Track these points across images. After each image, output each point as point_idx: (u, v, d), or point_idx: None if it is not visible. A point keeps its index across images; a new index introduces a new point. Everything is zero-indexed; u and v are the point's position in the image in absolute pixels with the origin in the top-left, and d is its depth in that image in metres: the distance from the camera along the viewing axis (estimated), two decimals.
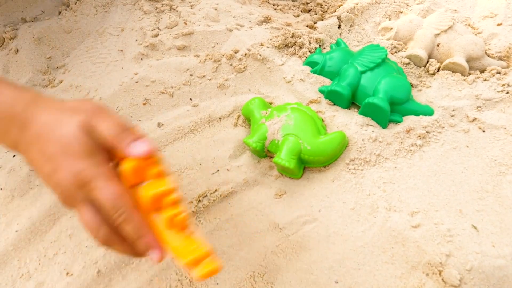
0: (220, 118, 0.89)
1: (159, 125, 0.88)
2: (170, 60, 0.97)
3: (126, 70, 0.97)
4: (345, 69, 0.86)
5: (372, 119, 0.79)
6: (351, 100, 0.84)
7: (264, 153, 0.79)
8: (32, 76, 1.00)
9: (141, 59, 0.99)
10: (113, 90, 0.92)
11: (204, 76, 0.95)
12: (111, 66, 0.99)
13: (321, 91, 0.87)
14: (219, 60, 0.96)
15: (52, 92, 0.98)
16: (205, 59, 0.96)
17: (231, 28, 1.03)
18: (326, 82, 0.87)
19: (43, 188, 0.77)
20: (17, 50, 1.04)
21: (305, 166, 0.77)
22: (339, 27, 1.02)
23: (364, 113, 0.80)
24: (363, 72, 0.83)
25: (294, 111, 0.79)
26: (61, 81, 1.00)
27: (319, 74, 0.90)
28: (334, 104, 0.85)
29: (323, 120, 0.83)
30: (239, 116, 0.87)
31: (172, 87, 0.93)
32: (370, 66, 0.83)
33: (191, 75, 0.95)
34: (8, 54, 1.05)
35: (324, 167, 0.76)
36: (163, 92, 0.93)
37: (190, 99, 0.92)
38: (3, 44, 1.08)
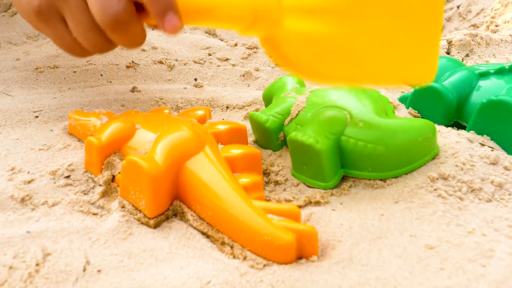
0: (227, 107, 0.55)
1: (133, 89, 0.56)
2: (190, 35, 0.69)
3: None
4: (451, 73, 0.51)
5: (493, 139, 0.41)
6: (453, 112, 0.47)
7: (279, 138, 0.43)
8: (14, 35, 0.77)
9: (152, 29, 0.72)
10: None
11: (227, 59, 0.64)
12: None
13: (403, 100, 0.52)
14: (255, 47, 0.65)
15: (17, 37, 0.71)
16: (236, 43, 0.67)
17: None
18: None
19: None
20: (15, 13, 0.84)
21: (347, 172, 0.38)
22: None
23: (478, 125, 0.42)
24: (482, 75, 0.48)
25: (349, 88, 0.44)
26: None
27: None
28: (423, 117, 0.49)
29: (394, 108, 0.48)
30: (257, 110, 0.53)
31: (176, 60, 0.63)
32: (495, 68, 0.49)
33: (210, 54, 0.65)
34: (4, 16, 0.85)
35: (384, 180, 0.37)
36: (160, 62, 0.62)
37: (195, 79, 0.60)
38: (9, 8, 0.89)
